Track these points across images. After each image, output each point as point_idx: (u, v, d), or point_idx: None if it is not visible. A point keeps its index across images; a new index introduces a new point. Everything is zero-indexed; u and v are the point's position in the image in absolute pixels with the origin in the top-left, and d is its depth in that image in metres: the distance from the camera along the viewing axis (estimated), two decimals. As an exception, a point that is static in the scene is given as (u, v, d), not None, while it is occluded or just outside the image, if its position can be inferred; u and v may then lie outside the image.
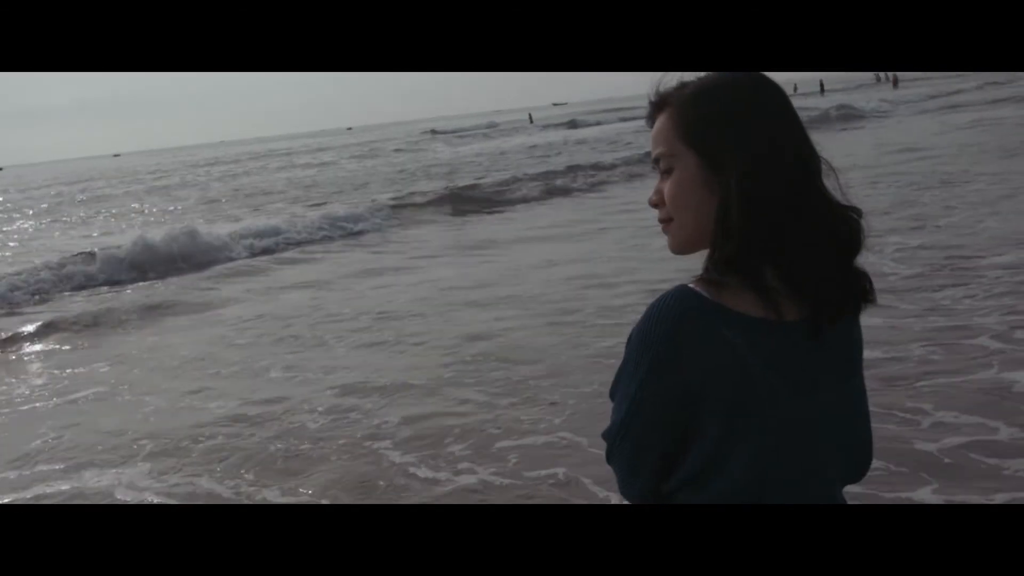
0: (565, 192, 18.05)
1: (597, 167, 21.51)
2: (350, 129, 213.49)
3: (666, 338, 1.13)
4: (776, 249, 1.15)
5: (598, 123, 54.24)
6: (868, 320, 1.32)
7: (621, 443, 1.22)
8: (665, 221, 1.25)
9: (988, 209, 9.59)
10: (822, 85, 69.65)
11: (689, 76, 1.27)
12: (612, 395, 1.25)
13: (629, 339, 1.20)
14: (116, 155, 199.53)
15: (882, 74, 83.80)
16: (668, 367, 1.14)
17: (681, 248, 1.26)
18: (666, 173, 1.23)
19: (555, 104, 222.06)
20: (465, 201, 17.87)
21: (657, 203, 1.26)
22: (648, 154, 1.33)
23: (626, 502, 1.30)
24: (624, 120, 50.07)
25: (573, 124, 56.18)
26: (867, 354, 1.31)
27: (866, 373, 1.30)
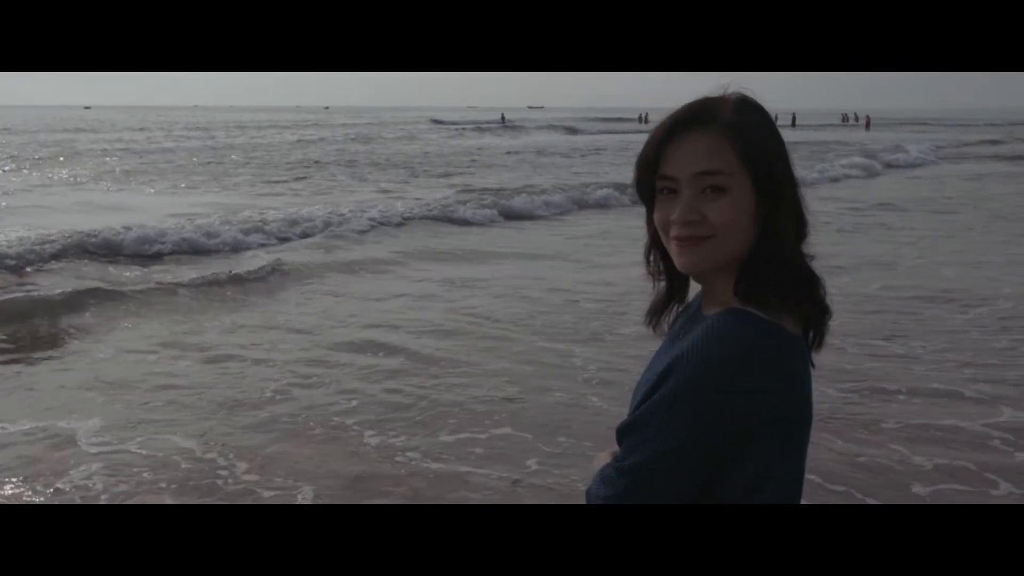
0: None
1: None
2: (327, 108, 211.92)
3: (731, 360, 1.12)
4: (808, 270, 1.24)
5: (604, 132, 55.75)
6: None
7: (658, 471, 1.17)
8: (699, 238, 1.21)
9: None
10: (794, 118, 70.12)
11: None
12: (628, 430, 1.20)
13: (673, 367, 1.16)
14: (87, 107, 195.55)
15: (851, 114, 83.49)
16: (735, 389, 1.12)
17: (704, 267, 1.24)
18: (714, 191, 1.20)
19: (530, 107, 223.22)
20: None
21: (695, 220, 1.21)
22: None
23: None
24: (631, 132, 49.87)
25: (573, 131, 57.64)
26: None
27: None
